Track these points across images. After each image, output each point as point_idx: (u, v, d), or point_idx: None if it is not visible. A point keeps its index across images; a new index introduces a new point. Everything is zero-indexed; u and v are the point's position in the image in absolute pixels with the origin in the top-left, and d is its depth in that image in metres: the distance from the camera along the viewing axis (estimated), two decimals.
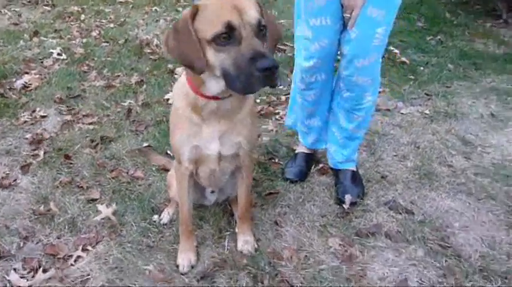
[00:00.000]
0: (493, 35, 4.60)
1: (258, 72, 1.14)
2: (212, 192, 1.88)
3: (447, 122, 2.79)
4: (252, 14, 1.22)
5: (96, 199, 2.07)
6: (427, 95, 3.18)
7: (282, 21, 4.76)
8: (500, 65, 3.76)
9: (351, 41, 1.82)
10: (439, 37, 4.52)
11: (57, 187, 2.15)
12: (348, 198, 1.97)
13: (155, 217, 1.96)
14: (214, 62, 1.24)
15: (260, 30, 1.23)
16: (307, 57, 1.95)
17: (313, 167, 2.30)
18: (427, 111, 2.91)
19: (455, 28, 4.79)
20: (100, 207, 1.95)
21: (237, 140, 1.53)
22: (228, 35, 1.19)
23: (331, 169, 2.24)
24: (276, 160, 2.40)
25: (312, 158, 2.33)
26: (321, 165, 2.32)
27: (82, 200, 2.06)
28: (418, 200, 2.06)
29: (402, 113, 2.90)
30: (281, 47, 3.95)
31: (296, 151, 2.36)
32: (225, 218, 1.97)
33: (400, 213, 1.96)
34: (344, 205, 1.97)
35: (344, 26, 1.86)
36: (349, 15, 1.79)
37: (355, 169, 2.17)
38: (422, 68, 3.70)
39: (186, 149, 1.54)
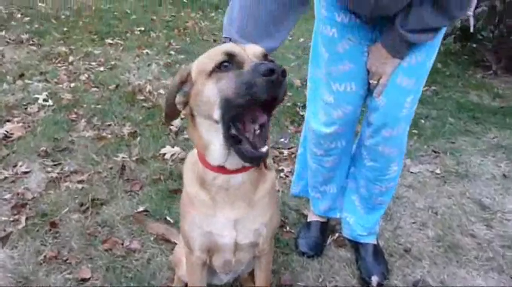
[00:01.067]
0: (486, 87, 4.64)
1: (262, 78, 0.95)
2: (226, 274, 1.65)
3: (460, 184, 2.67)
4: (255, 46, 1.12)
5: (87, 279, 1.81)
6: (434, 151, 3.08)
7: None
8: (500, 119, 3.73)
9: (378, 109, 1.68)
10: (434, 87, 4.52)
11: (41, 263, 1.88)
12: (374, 280, 1.78)
13: None
14: (213, 95, 1.04)
15: (266, 60, 1.09)
16: (328, 123, 1.80)
17: (328, 238, 2.10)
18: (437, 171, 2.79)
19: (448, 79, 4.82)
20: None
21: (255, 226, 1.31)
22: (229, 63, 1.05)
23: (349, 240, 2.05)
24: (287, 228, 2.19)
25: (326, 228, 2.14)
26: (336, 235, 2.12)
27: (70, 281, 1.79)
28: (447, 279, 1.88)
29: (412, 172, 2.78)
30: None
31: (308, 219, 2.16)
32: None
33: None
34: None
35: (369, 91, 1.73)
36: (376, 82, 1.66)
37: (376, 243, 1.99)
38: (423, 121, 3.63)
39: (197, 236, 1.32)
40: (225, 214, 1.26)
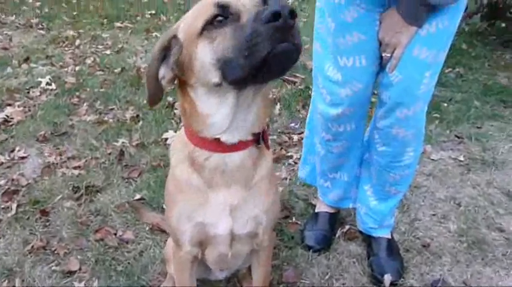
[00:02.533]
0: None
1: (265, 26, 0.78)
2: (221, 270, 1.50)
3: (486, 172, 2.43)
4: None
5: (74, 272, 1.68)
6: (458, 137, 2.83)
7: None
8: None
9: (393, 86, 1.47)
10: (457, 69, 4.22)
11: (28, 253, 1.76)
12: (387, 278, 1.59)
13: None
14: (208, 58, 0.89)
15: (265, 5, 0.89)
16: (334, 103, 1.59)
17: (338, 230, 1.92)
18: (461, 158, 2.55)
19: (474, 60, 4.49)
20: (77, 285, 1.56)
21: (254, 213, 1.14)
22: (223, 16, 0.87)
23: (361, 233, 1.86)
24: (293, 219, 2.02)
25: (335, 219, 1.96)
26: (347, 227, 1.94)
27: (56, 273, 1.67)
28: (471, 278, 1.68)
29: (433, 159, 2.55)
30: (290, 78, 3.63)
31: (316, 210, 1.98)
32: None
33: None
34: None
35: (381, 67, 1.52)
36: (389, 55, 1.45)
37: (390, 237, 1.80)
38: (446, 104, 3.37)
39: (187, 228, 1.15)
40: (218, 199, 1.09)
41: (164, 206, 2.04)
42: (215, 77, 0.89)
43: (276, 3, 0.78)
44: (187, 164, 1.09)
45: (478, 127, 3.00)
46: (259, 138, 1.06)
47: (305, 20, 5.67)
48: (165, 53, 0.98)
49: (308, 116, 1.90)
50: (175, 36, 0.97)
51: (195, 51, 0.91)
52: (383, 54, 1.47)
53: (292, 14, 0.77)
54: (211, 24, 0.88)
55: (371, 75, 1.53)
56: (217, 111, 0.96)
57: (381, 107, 1.55)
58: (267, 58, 0.80)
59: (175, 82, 1.02)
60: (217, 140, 1.00)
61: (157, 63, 0.98)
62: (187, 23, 0.95)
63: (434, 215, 2.06)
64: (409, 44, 1.38)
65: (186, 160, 1.09)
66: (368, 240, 1.81)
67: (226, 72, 0.87)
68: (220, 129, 0.99)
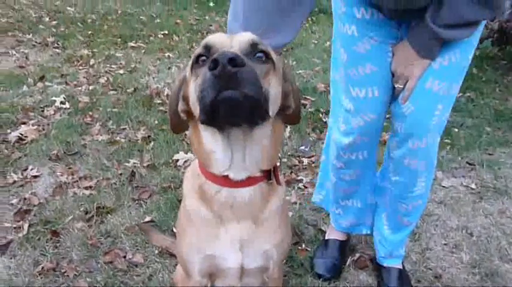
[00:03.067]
0: None
1: (210, 71, 0.77)
2: None
3: (499, 201, 2.40)
4: (246, 35, 0.93)
5: None
6: (469, 164, 2.81)
7: (300, 71, 4.53)
8: None
9: (405, 117, 1.47)
10: (468, 94, 4.21)
11: (38, 274, 1.77)
12: None
13: None
14: (193, 93, 0.91)
15: (253, 51, 0.90)
16: (347, 132, 1.60)
17: (348, 258, 1.90)
18: (473, 186, 2.53)
19: (484, 85, 4.49)
20: None
21: (264, 248, 1.14)
22: (205, 56, 0.90)
23: (371, 262, 1.84)
24: (303, 246, 2.01)
25: (346, 247, 1.94)
26: (357, 255, 1.92)
27: None
28: None
29: (444, 187, 2.53)
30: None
31: (326, 237, 1.96)
32: None
33: None
34: None
35: (394, 97, 1.52)
36: (402, 87, 1.46)
37: (401, 267, 1.77)
38: (457, 130, 3.36)
39: (197, 260, 1.15)
40: (228, 232, 1.09)
41: (174, 230, 2.05)
42: (196, 113, 0.91)
43: (222, 51, 0.78)
44: (197, 197, 1.10)
45: (489, 154, 2.98)
46: (269, 175, 1.06)
47: (316, 42, 5.74)
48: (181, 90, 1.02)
49: (325, 140, 1.90)
50: (186, 75, 1.01)
51: (188, 88, 0.96)
52: (395, 86, 1.47)
53: (232, 61, 0.75)
54: (197, 63, 0.92)
55: (383, 105, 1.54)
56: (217, 148, 0.97)
57: (394, 137, 1.55)
58: (213, 104, 0.80)
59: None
60: (226, 176, 1.01)
61: (176, 96, 1.01)
62: (191, 61, 0.98)
63: (446, 244, 2.03)
64: (422, 77, 1.39)
65: (196, 192, 1.10)
66: (379, 269, 1.79)
67: (202, 110, 0.86)
68: (223, 166, 0.99)
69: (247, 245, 1.11)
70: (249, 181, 1.02)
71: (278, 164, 1.10)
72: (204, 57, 0.91)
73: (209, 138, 0.98)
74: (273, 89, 0.90)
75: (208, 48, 0.90)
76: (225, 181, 1.01)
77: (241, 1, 1.15)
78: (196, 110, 0.91)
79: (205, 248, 1.13)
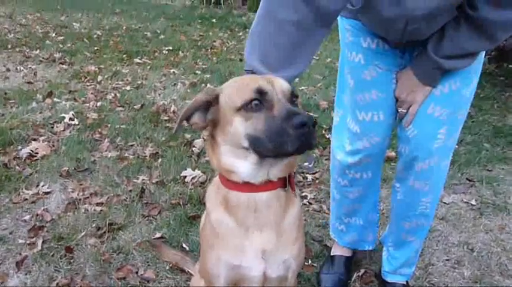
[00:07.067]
0: None
1: (293, 130, 0.99)
2: None
3: (498, 217, 2.47)
4: (283, 83, 1.12)
5: None
6: (469, 180, 2.88)
7: (303, 87, 4.63)
8: None
9: (409, 140, 1.55)
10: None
11: None
12: None
13: None
14: (241, 131, 1.06)
15: (293, 100, 1.11)
16: (352, 152, 1.68)
17: (354, 273, 1.96)
18: (473, 202, 2.60)
19: (483, 101, 4.58)
20: None
21: (284, 258, 1.22)
22: (259, 101, 1.05)
23: (376, 277, 1.90)
24: (309, 261, 2.06)
25: (351, 262, 2.00)
26: (362, 271, 1.98)
27: None
28: None
29: (445, 203, 2.59)
30: None
31: (332, 253, 2.03)
32: None
33: None
34: None
35: (398, 119, 1.61)
36: (405, 111, 1.54)
37: (405, 283, 1.83)
38: (457, 146, 3.43)
39: (223, 271, 1.22)
40: (253, 242, 1.18)
41: (184, 246, 2.11)
42: (245, 143, 1.06)
43: (304, 114, 1.01)
44: (222, 209, 1.19)
45: (488, 170, 3.05)
46: (285, 182, 1.16)
47: (317, 58, 5.86)
48: (204, 105, 1.12)
49: (331, 165, 1.96)
50: (217, 97, 1.11)
51: (231, 120, 1.07)
52: (399, 110, 1.56)
53: (315, 123, 1.00)
54: (248, 105, 1.05)
55: (388, 128, 1.62)
56: (239, 167, 1.10)
57: (400, 159, 1.63)
58: (294, 150, 1.01)
59: (207, 133, 1.17)
60: (247, 182, 1.12)
61: (194, 110, 1.12)
62: (228, 94, 1.09)
63: (448, 260, 2.09)
64: (424, 102, 1.48)
65: (221, 204, 1.19)
66: (383, 284, 1.85)
67: (254, 144, 1.05)
68: (249, 177, 1.11)
69: (270, 255, 1.20)
70: (268, 185, 1.13)
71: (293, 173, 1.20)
72: (257, 103, 1.04)
73: (231, 158, 1.11)
74: None
75: (262, 93, 1.05)
76: (246, 186, 1.13)
77: (257, 36, 1.24)
78: (240, 140, 1.07)
79: (232, 259, 1.21)
